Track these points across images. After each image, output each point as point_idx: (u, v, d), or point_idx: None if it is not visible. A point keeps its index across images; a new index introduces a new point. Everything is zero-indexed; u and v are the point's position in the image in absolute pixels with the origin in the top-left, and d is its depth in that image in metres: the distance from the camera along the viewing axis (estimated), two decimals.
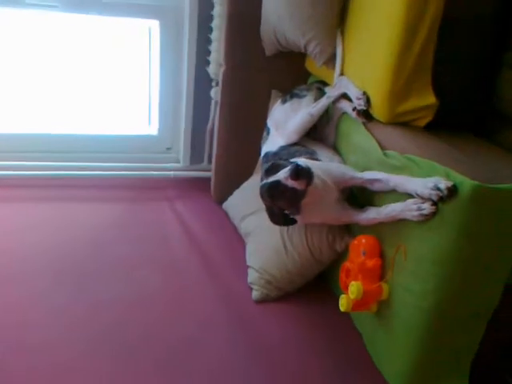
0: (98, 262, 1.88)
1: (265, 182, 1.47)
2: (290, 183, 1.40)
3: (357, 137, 1.63)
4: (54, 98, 2.45)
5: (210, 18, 2.17)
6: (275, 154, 1.76)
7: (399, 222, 1.36)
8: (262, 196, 1.51)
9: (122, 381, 1.42)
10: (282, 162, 1.51)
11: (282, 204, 1.50)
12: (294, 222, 1.58)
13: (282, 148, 1.77)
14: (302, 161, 1.55)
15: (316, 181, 1.45)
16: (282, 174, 1.41)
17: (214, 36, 2.17)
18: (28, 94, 2.42)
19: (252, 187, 2.06)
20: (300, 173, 1.38)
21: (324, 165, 1.58)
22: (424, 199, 1.27)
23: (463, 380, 1.38)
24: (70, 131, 2.48)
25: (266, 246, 1.83)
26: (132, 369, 1.45)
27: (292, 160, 1.55)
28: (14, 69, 2.36)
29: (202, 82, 2.31)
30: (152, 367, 1.46)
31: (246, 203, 2.05)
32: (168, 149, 2.56)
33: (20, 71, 2.37)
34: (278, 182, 1.42)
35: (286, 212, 1.54)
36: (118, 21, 2.35)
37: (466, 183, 1.17)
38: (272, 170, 1.47)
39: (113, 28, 2.37)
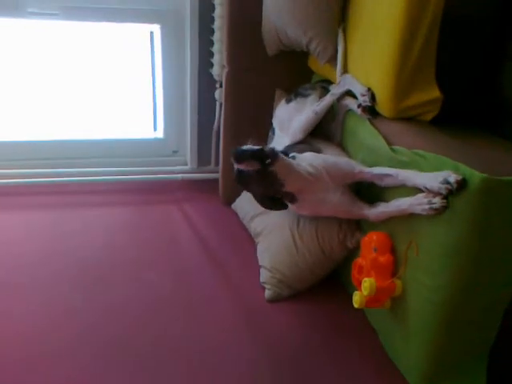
0: (110, 265, 1.89)
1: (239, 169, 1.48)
2: (239, 167, 1.41)
3: (363, 134, 1.63)
4: (61, 104, 2.47)
5: (211, 19, 2.17)
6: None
7: (410, 218, 1.37)
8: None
9: (137, 380, 1.44)
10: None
11: (258, 189, 1.53)
12: (284, 206, 1.60)
13: (289, 147, 1.77)
14: (310, 154, 1.60)
15: (310, 170, 1.49)
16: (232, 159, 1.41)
17: (215, 37, 2.17)
18: (36, 101, 2.44)
19: None
20: (241, 156, 1.37)
21: (332, 158, 1.60)
22: (433, 193, 1.27)
23: (481, 373, 1.38)
24: (77, 137, 2.50)
25: (277, 245, 1.84)
26: (147, 371, 1.46)
27: (293, 154, 1.59)
28: (22, 78, 2.38)
29: (205, 83, 2.31)
30: (167, 370, 1.47)
31: (255, 203, 2.02)
32: (175, 152, 2.57)
33: (27, 80, 2.39)
34: (236, 170, 1.44)
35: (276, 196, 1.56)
36: (120, 26, 2.36)
37: (476, 176, 1.17)
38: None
39: (114, 33, 2.38)
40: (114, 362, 1.48)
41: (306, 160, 1.56)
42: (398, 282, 1.42)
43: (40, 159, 2.38)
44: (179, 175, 2.46)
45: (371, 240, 1.49)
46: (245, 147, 1.39)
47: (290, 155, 1.59)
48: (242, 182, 1.49)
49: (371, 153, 1.56)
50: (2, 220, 2.12)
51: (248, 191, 1.61)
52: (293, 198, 1.55)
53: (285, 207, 1.61)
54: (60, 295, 1.72)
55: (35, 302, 1.68)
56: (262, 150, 1.39)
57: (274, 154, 1.41)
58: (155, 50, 2.40)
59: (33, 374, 1.42)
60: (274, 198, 1.57)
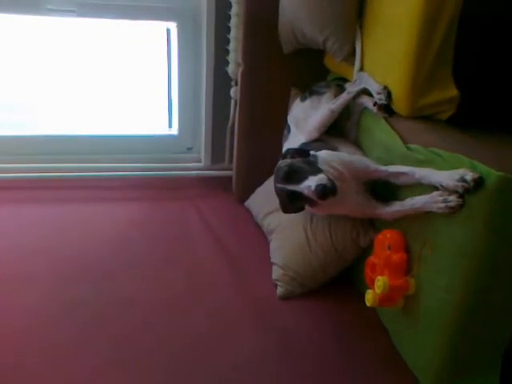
0: (122, 261, 1.90)
1: (283, 187, 1.49)
2: (312, 196, 1.40)
3: (378, 132, 1.63)
4: (76, 100, 2.50)
5: (228, 17, 2.18)
6: None
7: (425, 216, 1.36)
8: (276, 183, 1.55)
9: (146, 378, 1.43)
10: (301, 165, 1.49)
11: (300, 204, 1.54)
12: (302, 209, 1.62)
13: (304, 145, 1.77)
14: (324, 152, 1.58)
15: (332, 172, 1.47)
16: (306, 189, 1.41)
17: (232, 35, 2.17)
18: (51, 97, 2.47)
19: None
20: (327, 192, 1.37)
21: (347, 156, 1.59)
22: (449, 191, 1.26)
23: (494, 374, 1.37)
24: (93, 133, 2.52)
25: (290, 243, 1.84)
26: (157, 367, 1.46)
27: (313, 153, 1.57)
28: (38, 73, 2.42)
29: (221, 81, 2.32)
30: (178, 366, 1.47)
31: (269, 201, 2.04)
32: (189, 149, 2.58)
33: (44, 75, 2.43)
34: (299, 193, 1.45)
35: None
36: (136, 23, 2.38)
37: (493, 174, 1.16)
38: (292, 174, 1.47)
39: (131, 29, 2.40)
40: (117, 359, 1.48)
41: (325, 160, 1.54)
42: (412, 281, 1.41)
43: (54, 154, 2.41)
44: (193, 172, 2.47)
45: (385, 238, 1.49)
46: (323, 179, 1.38)
47: (311, 153, 1.58)
48: (292, 199, 1.51)
49: (387, 151, 1.55)
50: (17, 213, 2.16)
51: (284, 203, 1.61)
52: (314, 202, 1.49)
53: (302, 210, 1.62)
54: (65, 288, 1.73)
55: (42, 294, 1.69)
56: (334, 184, 1.39)
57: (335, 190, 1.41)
58: (171, 46, 2.41)
59: (33, 368, 1.43)
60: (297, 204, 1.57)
